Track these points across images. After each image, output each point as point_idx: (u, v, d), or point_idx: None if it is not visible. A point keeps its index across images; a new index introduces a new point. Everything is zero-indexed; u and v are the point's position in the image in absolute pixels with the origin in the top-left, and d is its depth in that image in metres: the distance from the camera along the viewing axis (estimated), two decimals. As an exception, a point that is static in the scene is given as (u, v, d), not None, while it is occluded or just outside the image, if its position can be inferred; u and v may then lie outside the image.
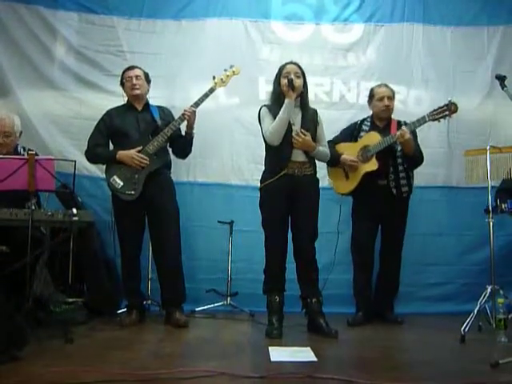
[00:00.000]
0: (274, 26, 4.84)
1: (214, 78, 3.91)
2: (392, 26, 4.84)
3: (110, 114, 3.95)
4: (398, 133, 3.79)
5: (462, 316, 3.48)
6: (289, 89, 3.45)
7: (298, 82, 3.50)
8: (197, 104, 3.83)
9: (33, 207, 3.32)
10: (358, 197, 4.10)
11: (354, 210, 4.14)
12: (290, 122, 3.49)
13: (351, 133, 4.13)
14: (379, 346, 3.28)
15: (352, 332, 3.69)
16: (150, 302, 4.21)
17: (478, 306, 3.48)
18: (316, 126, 3.63)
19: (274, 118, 3.49)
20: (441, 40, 4.83)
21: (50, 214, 3.41)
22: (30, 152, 3.56)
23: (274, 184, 3.50)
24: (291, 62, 3.61)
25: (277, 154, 3.54)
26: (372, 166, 3.91)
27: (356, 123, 4.17)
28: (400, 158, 3.97)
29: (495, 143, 3.85)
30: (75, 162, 3.64)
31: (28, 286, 3.25)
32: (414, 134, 3.89)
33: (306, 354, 2.88)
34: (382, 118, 4.07)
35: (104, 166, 3.93)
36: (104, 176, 3.92)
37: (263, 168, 3.66)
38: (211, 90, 3.88)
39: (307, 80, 3.63)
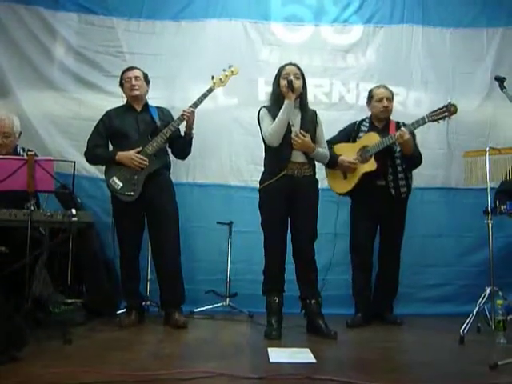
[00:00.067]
0: (274, 27, 4.85)
1: (212, 78, 3.91)
2: (391, 27, 4.85)
3: (109, 114, 3.95)
4: (398, 133, 3.80)
5: (461, 317, 3.48)
6: (288, 90, 3.45)
7: (298, 83, 3.50)
8: (196, 104, 3.84)
9: (32, 208, 3.32)
10: (356, 197, 4.10)
11: (352, 210, 4.14)
12: (289, 123, 3.49)
13: (349, 133, 4.13)
14: (378, 347, 3.28)
15: (351, 333, 3.69)
16: (149, 302, 4.20)
17: (477, 307, 3.48)
18: (315, 127, 3.63)
19: (274, 119, 3.49)
20: (440, 42, 4.84)
21: (49, 214, 3.41)
22: (29, 153, 3.56)
23: (273, 185, 3.50)
24: (290, 63, 3.61)
25: (276, 154, 3.54)
26: (371, 166, 3.91)
27: (354, 124, 4.17)
28: (399, 158, 3.97)
29: (494, 144, 3.84)
30: (74, 162, 3.65)
31: (27, 286, 3.25)
32: (412, 134, 3.89)
33: (305, 355, 2.88)
34: (380, 119, 4.08)
35: (103, 167, 3.93)
36: (103, 177, 3.92)
37: (262, 169, 3.66)
38: (210, 90, 3.88)
39: (307, 81, 3.63)
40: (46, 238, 3.59)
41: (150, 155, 3.77)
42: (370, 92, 4.14)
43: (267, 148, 3.61)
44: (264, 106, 3.65)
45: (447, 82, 4.78)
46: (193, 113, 3.81)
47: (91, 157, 3.97)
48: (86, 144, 3.95)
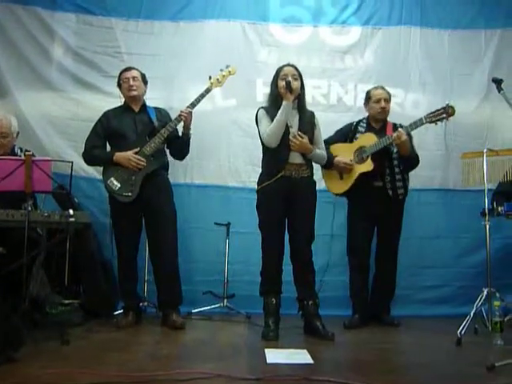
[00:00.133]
0: (272, 28, 4.85)
1: (210, 78, 3.91)
2: (389, 28, 4.86)
3: (107, 115, 3.95)
4: (395, 134, 3.80)
5: (459, 319, 3.48)
6: (286, 91, 3.45)
7: (296, 84, 3.50)
8: (193, 105, 3.83)
9: (29, 208, 3.31)
10: (353, 198, 4.10)
11: (349, 211, 4.14)
12: (287, 124, 3.49)
13: (346, 133, 4.13)
14: (376, 348, 3.29)
15: (348, 334, 3.69)
16: (146, 303, 4.20)
17: (475, 308, 3.49)
18: (313, 129, 3.64)
19: (272, 120, 3.49)
20: (438, 43, 4.85)
21: (46, 215, 3.40)
22: (26, 153, 3.56)
23: (271, 186, 3.50)
24: (288, 64, 3.61)
25: (274, 155, 3.54)
26: (367, 166, 3.91)
27: (352, 124, 4.18)
28: (396, 159, 3.98)
29: (492, 146, 3.85)
30: (72, 163, 3.64)
31: (24, 286, 3.24)
32: (409, 136, 3.90)
33: (302, 357, 2.88)
34: (378, 120, 4.08)
35: (101, 168, 3.93)
36: (101, 177, 3.92)
37: (260, 170, 3.66)
38: (207, 91, 3.88)
39: (305, 82, 3.64)
40: (43, 239, 3.59)
41: (147, 156, 3.76)
42: (368, 93, 4.14)
43: (265, 149, 3.61)
44: (262, 107, 3.65)
45: (445, 84, 4.78)
46: (190, 113, 3.81)
47: (89, 158, 3.97)
48: (83, 145, 3.95)
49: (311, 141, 3.56)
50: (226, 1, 4.82)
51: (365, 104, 4.17)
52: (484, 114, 4.74)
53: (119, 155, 3.76)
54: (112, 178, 3.78)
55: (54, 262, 3.87)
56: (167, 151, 4.03)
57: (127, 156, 3.74)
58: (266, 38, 4.83)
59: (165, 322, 3.77)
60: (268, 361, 2.79)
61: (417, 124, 3.82)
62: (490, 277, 3.60)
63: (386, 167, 3.96)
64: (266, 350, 2.99)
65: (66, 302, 3.76)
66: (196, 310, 4.21)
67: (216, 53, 4.65)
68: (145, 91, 3.99)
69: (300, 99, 3.59)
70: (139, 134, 3.84)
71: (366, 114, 4.17)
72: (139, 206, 3.78)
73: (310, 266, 3.57)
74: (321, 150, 3.67)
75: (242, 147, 4.65)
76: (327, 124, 4.12)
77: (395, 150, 3.95)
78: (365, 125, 4.11)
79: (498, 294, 3.54)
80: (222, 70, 3.95)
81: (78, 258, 3.93)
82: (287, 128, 3.49)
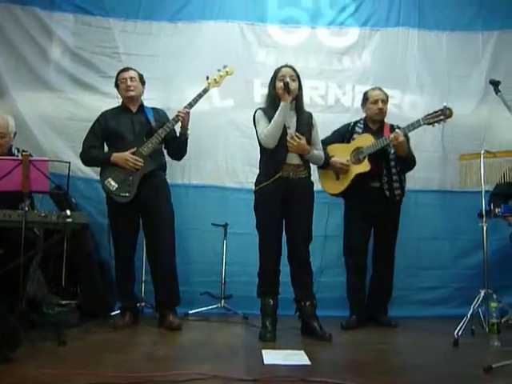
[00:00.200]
0: (270, 29, 4.85)
1: (207, 78, 3.92)
2: (387, 30, 4.86)
3: (104, 115, 3.94)
4: (392, 135, 3.80)
5: (456, 320, 3.49)
6: (284, 92, 3.45)
7: (294, 85, 3.50)
8: (190, 105, 3.83)
9: (26, 208, 3.30)
10: (350, 199, 4.10)
11: (346, 212, 4.14)
12: (285, 125, 3.49)
13: (343, 134, 4.14)
14: (373, 349, 3.29)
15: (346, 335, 3.69)
16: (143, 304, 4.20)
17: (472, 309, 3.49)
18: (311, 130, 3.64)
19: (270, 121, 3.49)
20: (436, 45, 4.85)
21: (43, 215, 3.40)
22: (24, 153, 3.55)
23: (268, 187, 3.50)
24: (286, 65, 3.62)
25: (272, 156, 3.54)
26: (364, 167, 3.91)
27: (349, 125, 4.18)
28: (393, 160, 3.98)
29: (489, 148, 3.87)
30: (69, 163, 3.64)
31: (21, 287, 3.23)
32: (406, 137, 3.90)
33: (299, 358, 2.87)
34: (375, 121, 4.09)
35: (98, 168, 3.92)
36: (98, 178, 3.91)
37: (258, 171, 3.66)
38: (205, 91, 3.88)
39: (302, 83, 3.64)
40: (40, 239, 3.59)
41: (145, 156, 3.76)
42: (365, 94, 4.15)
43: (263, 150, 3.61)
44: (259, 108, 3.65)
45: (443, 85, 4.79)
46: (188, 113, 3.81)
47: (86, 158, 3.97)
48: (81, 145, 3.94)
49: (308, 142, 3.56)
50: (225, 2, 4.82)
51: (362, 105, 4.18)
52: (481, 116, 4.75)
53: (116, 156, 3.75)
54: (109, 179, 3.77)
55: (51, 262, 3.88)
56: (165, 151, 4.03)
57: (124, 156, 3.73)
58: (263, 38, 4.83)
59: (162, 322, 3.77)
60: (265, 362, 2.79)
61: (414, 125, 3.83)
62: (487, 278, 3.60)
63: (383, 168, 3.97)
64: (263, 351, 2.98)
65: (63, 302, 3.75)
66: (193, 311, 4.21)
67: (214, 53, 4.66)
68: (142, 92, 3.99)
69: (298, 100, 3.59)
70: (137, 135, 3.84)
71: (364, 115, 4.18)
72: (137, 207, 3.78)
73: (307, 266, 3.57)
74: (318, 151, 3.68)
75: (240, 148, 4.65)
76: (325, 125, 4.13)
77: (392, 151, 3.95)
78: (362, 126, 4.12)
79: (494, 296, 3.55)
80: (219, 71, 3.95)
81: (75, 258, 3.93)
82: (285, 129, 3.49)
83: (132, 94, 3.88)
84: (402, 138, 3.78)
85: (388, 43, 4.86)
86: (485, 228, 3.64)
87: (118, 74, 3.96)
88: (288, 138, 3.47)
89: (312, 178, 3.68)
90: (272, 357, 2.87)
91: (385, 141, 3.85)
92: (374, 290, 4.14)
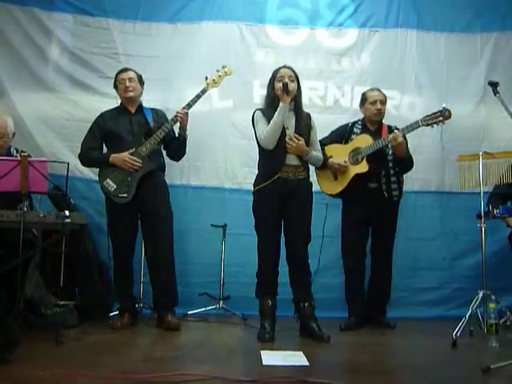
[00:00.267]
0: (269, 30, 4.85)
1: (206, 78, 3.92)
2: (386, 31, 4.86)
3: (103, 116, 3.94)
4: (391, 136, 3.81)
5: (454, 321, 3.50)
6: (283, 92, 3.45)
7: (292, 86, 3.50)
8: (189, 105, 3.83)
9: (25, 209, 3.30)
10: (348, 199, 4.09)
11: (344, 213, 4.14)
12: (284, 126, 3.49)
13: (342, 134, 4.13)
14: (371, 350, 3.29)
15: (344, 336, 3.69)
16: (142, 304, 4.19)
17: (470, 310, 3.50)
18: (310, 131, 3.64)
19: (268, 122, 3.49)
20: (434, 46, 4.86)
21: (42, 215, 3.40)
22: (22, 153, 3.55)
23: (267, 188, 3.50)
24: (285, 66, 3.61)
25: (271, 157, 3.54)
26: (362, 168, 3.91)
27: (347, 125, 4.18)
28: (391, 161, 3.98)
29: (488, 149, 3.88)
30: (68, 163, 3.66)
31: (19, 287, 3.23)
32: (404, 138, 3.90)
33: (298, 359, 2.87)
34: (373, 122, 4.09)
35: (97, 168, 3.92)
36: (97, 178, 3.91)
37: (256, 171, 3.66)
38: (203, 91, 3.88)
39: (301, 84, 3.64)
40: (38, 240, 3.58)
41: (143, 157, 3.76)
42: (364, 94, 4.15)
43: (261, 151, 3.61)
44: (258, 109, 3.65)
45: (441, 87, 4.79)
46: (186, 114, 3.81)
47: (85, 159, 3.97)
48: (79, 145, 3.94)
49: (307, 143, 3.56)
50: (224, 3, 4.82)
51: (360, 106, 4.18)
52: (480, 117, 4.75)
53: (115, 156, 3.75)
54: (108, 179, 3.77)
55: (49, 262, 3.88)
56: (164, 152, 4.03)
57: (123, 157, 3.73)
58: (262, 39, 4.84)
59: (160, 323, 3.76)
60: (264, 363, 2.79)
61: (413, 127, 3.83)
62: (485, 279, 3.61)
63: (382, 169, 3.97)
64: (262, 352, 2.98)
65: (61, 303, 3.75)
66: (192, 312, 4.20)
67: (213, 54, 4.66)
68: (141, 92, 3.98)
69: (296, 101, 3.59)
70: (135, 135, 3.84)
71: (362, 116, 4.18)
72: (135, 207, 3.78)
73: (305, 267, 3.57)
74: (317, 152, 3.68)
75: (239, 149, 4.65)
76: (324, 126, 4.13)
77: (390, 152, 3.96)
78: (360, 126, 4.12)
79: (493, 297, 3.56)
80: (218, 71, 3.96)
81: (74, 258, 3.94)
82: (284, 130, 3.49)
83: (131, 94, 3.88)
84: (400, 139, 3.78)
85: (387, 44, 4.86)
86: (483, 229, 3.66)
87: (117, 75, 3.96)
88: (287, 139, 3.47)
89: (310, 179, 3.68)
90: (270, 358, 2.87)
91: (383, 141, 3.85)
92: (373, 291, 4.14)
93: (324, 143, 4.01)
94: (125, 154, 3.74)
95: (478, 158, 3.72)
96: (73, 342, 3.18)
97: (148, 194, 3.77)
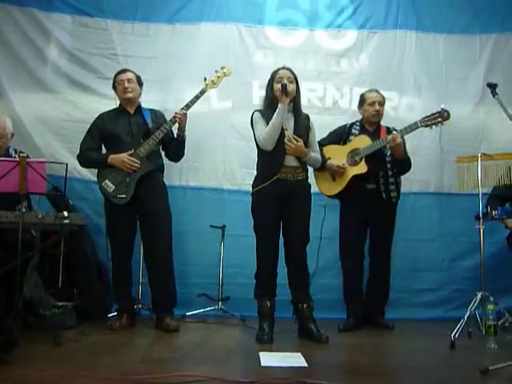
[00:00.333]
0: (268, 31, 4.85)
1: (205, 79, 3.92)
2: (385, 32, 4.87)
3: (102, 117, 3.94)
4: (390, 137, 3.81)
5: (453, 322, 3.50)
6: (282, 94, 3.45)
7: (291, 87, 3.50)
8: (188, 106, 3.83)
9: (23, 210, 3.30)
10: (346, 200, 4.09)
11: (341, 214, 4.13)
12: (282, 127, 3.49)
13: (340, 135, 4.13)
14: (370, 351, 3.29)
15: (343, 337, 3.69)
16: (140, 306, 4.19)
17: (469, 312, 3.50)
18: (308, 132, 3.64)
19: (267, 123, 3.49)
20: (433, 47, 4.86)
21: (40, 216, 3.40)
22: (21, 154, 3.54)
23: (266, 189, 3.50)
24: (284, 67, 3.62)
25: (270, 158, 3.54)
26: (361, 168, 3.91)
27: (345, 126, 4.18)
28: (389, 162, 3.98)
29: (487, 150, 3.88)
30: (67, 164, 3.66)
31: (18, 288, 3.23)
32: (402, 139, 3.90)
33: (296, 360, 2.87)
34: (371, 123, 4.09)
35: (96, 169, 3.92)
36: (95, 179, 3.90)
37: (255, 173, 3.66)
38: (202, 92, 3.88)
39: (300, 85, 3.64)
40: (37, 240, 3.58)
41: (142, 158, 3.76)
42: (362, 96, 4.15)
43: (260, 152, 3.61)
44: (257, 110, 3.65)
45: (440, 88, 4.79)
46: (185, 115, 3.81)
47: (84, 160, 3.96)
48: (78, 146, 3.94)
49: (306, 144, 3.56)
50: (223, 4, 4.82)
51: (359, 107, 4.18)
52: (479, 119, 4.76)
53: (113, 157, 3.75)
54: (106, 180, 3.77)
55: (47, 263, 3.87)
56: (163, 153, 4.03)
57: (121, 158, 3.73)
58: (261, 40, 4.84)
59: (159, 324, 3.76)
60: (262, 364, 2.79)
61: (412, 128, 3.83)
62: (483, 280, 3.61)
63: (380, 170, 3.97)
64: (261, 353, 2.98)
65: (60, 304, 3.74)
66: (190, 313, 4.19)
67: (212, 55, 4.66)
68: (140, 93, 3.98)
69: (295, 102, 3.59)
70: (134, 136, 3.83)
71: (360, 117, 4.18)
72: (134, 208, 3.78)
73: (304, 268, 3.57)
74: (315, 154, 3.68)
75: (238, 150, 4.65)
76: (322, 127, 4.13)
77: (389, 153, 3.96)
78: (358, 127, 4.12)
79: (491, 298, 3.56)
80: (216, 72, 3.95)
81: (72, 259, 3.93)
82: (283, 131, 3.49)
83: (129, 95, 3.88)
84: (399, 140, 3.78)
85: (386, 45, 4.86)
86: (482, 230, 3.66)
87: (116, 76, 3.96)
88: (286, 141, 3.47)
89: (309, 180, 3.68)
90: (269, 359, 2.88)
91: (382, 142, 3.85)
92: (371, 291, 4.14)
93: (322, 144, 4.00)
94: (123, 155, 3.74)
95: (477, 160, 3.73)
96: (71, 343, 3.18)
97: (147, 194, 3.77)
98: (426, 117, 3.78)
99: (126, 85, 3.86)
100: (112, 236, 3.88)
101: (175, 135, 3.95)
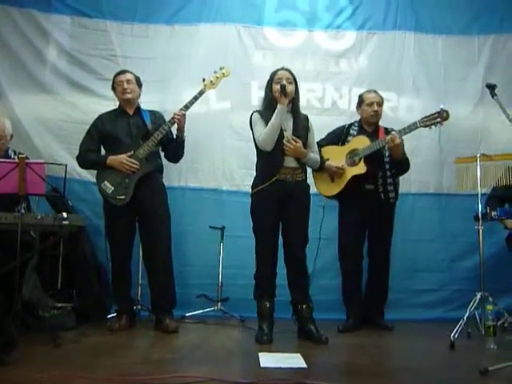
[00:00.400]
0: (267, 32, 4.86)
1: (203, 80, 3.91)
2: (384, 33, 4.88)
3: (101, 118, 3.94)
4: (389, 137, 3.81)
5: (452, 323, 3.50)
6: (281, 94, 3.45)
7: (290, 88, 3.50)
8: (186, 107, 3.83)
9: (22, 211, 3.29)
10: (344, 201, 4.09)
11: (340, 214, 4.13)
12: (281, 128, 3.49)
13: (338, 136, 4.13)
14: (369, 352, 3.29)
15: (342, 338, 3.69)
16: (140, 307, 4.19)
17: (468, 312, 3.50)
18: (307, 133, 3.64)
19: (266, 124, 3.49)
20: (432, 48, 4.87)
21: (39, 217, 3.39)
22: (20, 155, 3.54)
23: (265, 190, 3.50)
24: (283, 68, 3.61)
25: (269, 159, 3.54)
26: (360, 169, 3.91)
27: (344, 127, 4.18)
28: (388, 163, 3.98)
29: (486, 151, 3.88)
30: (66, 165, 3.65)
31: (17, 290, 3.22)
32: (401, 140, 3.90)
33: (295, 361, 2.87)
34: (370, 124, 4.09)
35: (95, 170, 3.91)
36: (95, 180, 3.90)
37: (254, 174, 3.66)
38: (201, 93, 3.88)
39: (299, 86, 3.64)
40: (36, 242, 3.57)
41: (141, 159, 3.75)
42: (361, 96, 4.15)
43: (259, 153, 3.61)
44: (256, 111, 3.65)
45: (439, 89, 4.80)
46: (184, 115, 3.81)
47: (83, 161, 3.96)
48: (77, 147, 3.94)
49: (305, 145, 3.56)
50: (221, 4, 4.83)
51: (357, 107, 4.18)
52: (478, 119, 4.76)
53: (112, 159, 3.75)
54: (105, 182, 3.77)
55: (47, 265, 3.86)
56: (162, 154, 4.03)
57: (120, 159, 3.73)
58: (260, 41, 4.84)
59: (158, 325, 3.75)
60: (261, 365, 2.78)
61: (411, 128, 3.83)
62: (482, 281, 3.62)
63: (379, 170, 3.97)
64: (260, 354, 2.98)
65: (59, 305, 3.73)
66: (190, 314, 4.19)
67: (211, 56, 4.66)
68: (139, 94, 3.98)
69: (294, 103, 3.59)
70: (133, 137, 3.83)
71: (358, 118, 4.18)
72: (133, 209, 3.78)
73: (303, 269, 3.57)
74: (314, 154, 3.68)
75: (236, 150, 4.65)
76: (321, 128, 4.14)
77: (387, 154, 3.96)
78: (357, 128, 4.12)
79: (491, 298, 3.57)
80: (215, 72, 3.95)
81: (72, 261, 3.92)
82: (282, 132, 3.49)
83: (129, 96, 3.88)
84: (398, 140, 3.78)
85: (385, 46, 4.87)
86: (481, 231, 3.67)
87: (115, 77, 3.96)
88: (284, 142, 3.47)
89: (308, 181, 3.68)
90: (268, 360, 2.87)
91: (381, 143, 3.85)
92: (370, 292, 4.14)
93: (321, 145, 4.00)
94: (122, 156, 3.73)
95: (476, 160, 3.73)
96: (71, 344, 3.17)
97: (146, 195, 3.76)
98: (426, 117, 3.78)
99: (125, 86, 3.86)
100: (111, 237, 3.87)
101: (174, 136, 3.94)
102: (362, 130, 4.09)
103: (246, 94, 4.72)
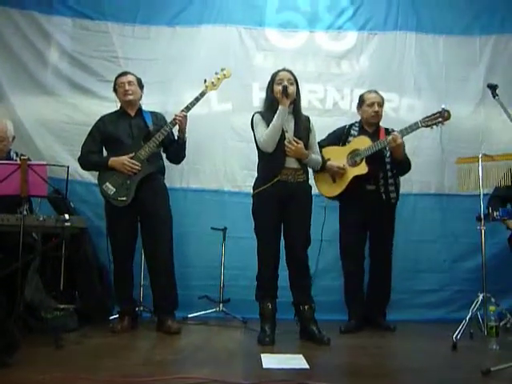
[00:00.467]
0: (268, 33, 4.86)
1: (205, 81, 3.92)
2: (385, 34, 4.87)
3: (103, 120, 3.94)
4: (390, 137, 3.81)
5: (454, 323, 3.50)
6: (282, 96, 3.45)
7: (292, 89, 3.50)
8: (188, 108, 3.83)
9: (25, 212, 3.30)
10: (345, 201, 4.09)
11: (341, 215, 4.13)
12: (283, 129, 3.49)
13: (339, 136, 4.13)
14: (371, 353, 3.29)
15: (344, 339, 3.68)
16: (142, 308, 4.19)
17: (470, 313, 3.50)
18: (309, 134, 3.64)
19: (268, 125, 3.49)
20: (433, 48, 4.86)
21: (41, 219, 3.40)
22: (22, 157, 3.55)
23: (267, 191, 3.50)
24: (284, 69, 3.61)
25: (270, 160, 3.54)
26: (362, 169, 3.91)
27: (344, 127, 4.18)
28: (389, 163, 3.98)
29: (487, 151, 3.87)
30: (68, 167, 3.66)
31: (19, 291, 3.23)
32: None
33: (298, 362, 2.87)
34: (370, 124, 4.09)
35: (97, 172, 3.92)
36: (96, 181, 3.90)
37: (256, 175, 3.66)
38: (202, 94, 3.88)
39: (301, 87, 3.65)
40: (38, 243, 3.58)
41: (142, 160, 3.76)
42: (361, 97, 4.15)
43: (261, 154, 3.61)
44: (257, 112, 3.65)
45: (440, 89, 4.79)
46: (185, 117, 3.81)
47: (85, 163, 3.97)
48: (79, 149, 3.94)
49: (306, 146, 3.56)
50: (223, 6, 4.83)
51: (358, 108, 4.18)
52: (479, 119, 4.76)
53: (114, 160, 3.75)
54: (107, 183, 3.77)
55: (49, 266, 3.87)
56: (163, 155, 4.03)
57: (121, 160, 3.73)
58: (261, 42, 4.84)
59: (160, 326, 3.76)
60: (264, 366, 2.79)
61: (412, 128, 3.83)
62: (485, 282, 3.61)
63: (380, 171, 3.97)
64: (262, 355, 2.98)
65: (61, 306, 3.73)
66: (192, 315, 4.19)
67: (212, 57, 4.66)
68: (141, 96, 3.98)
69: (296, 104, 3.59)
70: (135, 139, 3.84)
71: (359, 118, 4.18)
72: (135, 211, 3.78)
73: (305, 270, 3.57)
74: (316, 155, 3.68)
75: (238, 151, 4.65)
76: (323, 128, 4.14)
77: (388, 154, 3.96)
78: (357, 128, 4.12)
79: (493, 299, 3.56)
80: (216, 74, 3.95)
81: (74, 262, 3.92)
82: (283, 133, 3.49)
83: (130, 98, 3.88)
84: (400, 140, 3.78)
85: (386, 47, 4.86)
86: (483, 231, 3.65)
87: (116, 79, 3.96)
88: (286, 143, 3.47)
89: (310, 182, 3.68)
90: (270, 361, 2.87)
91: (382, 143, 3.85)
92: (372, 293, 4.13)
93: (321, 145, 3.99)
94: (124, 158, 3.74)
95: (478, 161, 3.73)
96: (73, 346, 3.18)
97: (147, 196, 3.77)
98: (427, 117, 3.78)
99: (127, 87, 3.87)
100: (113, 238, 3.88)
101: (176, 137, 3.95)
102: (362, 131, 4.09)
103: (247, 96, 4.72)
